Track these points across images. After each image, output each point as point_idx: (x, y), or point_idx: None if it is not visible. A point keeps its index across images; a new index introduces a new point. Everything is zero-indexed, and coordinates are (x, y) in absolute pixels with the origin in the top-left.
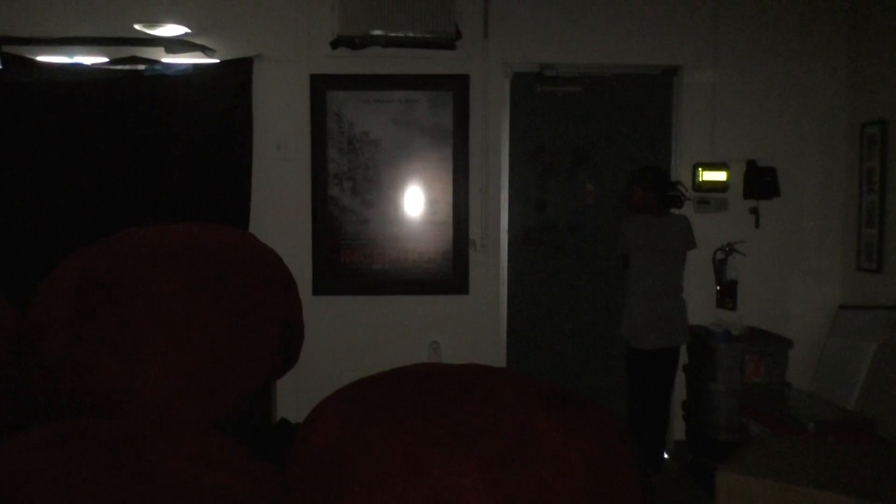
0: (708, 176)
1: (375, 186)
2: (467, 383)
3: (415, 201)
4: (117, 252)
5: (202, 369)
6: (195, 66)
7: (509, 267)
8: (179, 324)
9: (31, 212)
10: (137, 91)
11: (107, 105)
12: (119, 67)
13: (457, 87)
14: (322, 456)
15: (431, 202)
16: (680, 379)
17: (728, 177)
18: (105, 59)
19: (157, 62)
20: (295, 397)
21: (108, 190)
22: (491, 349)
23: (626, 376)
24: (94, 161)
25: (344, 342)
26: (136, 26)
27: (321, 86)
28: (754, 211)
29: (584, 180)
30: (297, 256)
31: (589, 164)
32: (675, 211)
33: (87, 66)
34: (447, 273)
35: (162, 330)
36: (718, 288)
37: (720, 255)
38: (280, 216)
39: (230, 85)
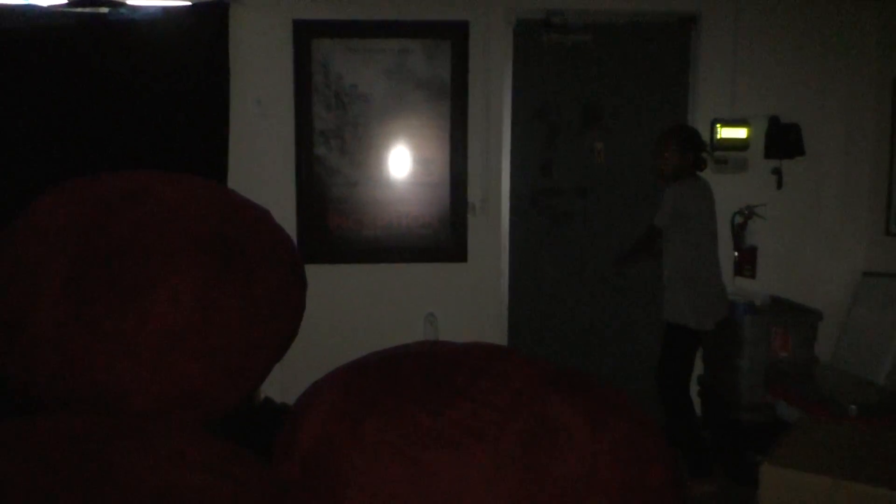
0: (727, 133)
1: (366, 145)
2: (476, 368)
3: (409, 162)
4: (123, 222)
5: (209, 381)
6: (165, 9)
7: (511, 233)
8: (191, 326)
9: None
10: (100, 36)
11: (66, 52)
12: (79, 10)
13: (455, 36)
14: (312, 454)
15: (427, 162)
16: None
17: (749, 134)
18: (63, 1)
19: (123, 4)
20: (280, 373)
21: (68, 145)
22: (491, 322)
23: (669, 363)
24: (51, 112)
25: (333, 314)
26: None
27: (305, 33)
28: (776, 171)
29: (593, 139)
30: (281, 222)
31: (599, 121)
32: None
33: (42, 7)
34: (444, 239)
35: (169, 331)
36: (737, 254)
37: (739, 220)
38: (261, 178)
39: (204, 31)
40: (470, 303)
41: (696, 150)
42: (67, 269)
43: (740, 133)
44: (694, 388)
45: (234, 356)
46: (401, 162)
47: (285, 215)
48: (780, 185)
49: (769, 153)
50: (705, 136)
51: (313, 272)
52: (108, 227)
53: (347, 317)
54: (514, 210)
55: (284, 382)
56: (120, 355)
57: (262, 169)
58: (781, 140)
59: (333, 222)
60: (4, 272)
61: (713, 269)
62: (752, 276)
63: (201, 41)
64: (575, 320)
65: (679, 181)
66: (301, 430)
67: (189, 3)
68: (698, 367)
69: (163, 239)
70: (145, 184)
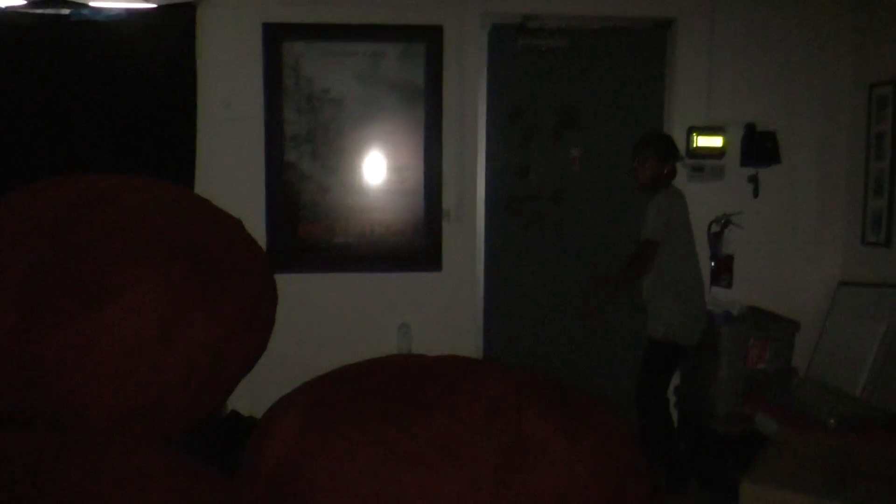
0: (703, 141)
1: (338, 151)
2: (449, 382)
3: (382, 167)
4: (85, 228)
5: (172, 396)
6: (129, 10)
7: (487, 240)
8: (154, 338)
9: None
10: (62, 39)
11: (26, 55)
12: (40, 11)
13: (429, 40)
14: (277, 474)
15: (400, 169)
16: None
17: (725, 142)
18: (23, 1)
19: (85, 5)
20: (247, 386)
21: (30, 149)
22: (466, 332)
23: (652, 379)
24: (11, 116)
25: (303, 324)
26: None
27: (276, 36)
28: (753, 179)
29: (569, 145)
30: (250, 229)
31: (575, 126)
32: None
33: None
34: (418, 247)
35: (129, 344)
36: (713, 264)
37: (715, 228)
38: (230, 183)
39: (171, 34)
40: (445, 312)
41: (674, 159)
42: (23, 276)
43: (716, 141)
44: (671, 400)
45: (198, 371)
46: (374, 168)
47: (255, 222)
48: (756, 193)
49: (745, 161)
50: (681, 144)
51: (283, 281)
52: (69, 233)
53: (318, 327)
54: (489, 217)
55: (252, 395)
56: (75, 368)
57: (230, 174)
58: (758, 148)
59: (304, 230)
60: None
61: (698, 280)
62: (729, 285)
63: (168, 44)
64: (552, 329)
65: (663, 191)
66: (266, 448)
67: (155, 5)
68: (675, 378)
69: (127, 246)
70: (110, 188)
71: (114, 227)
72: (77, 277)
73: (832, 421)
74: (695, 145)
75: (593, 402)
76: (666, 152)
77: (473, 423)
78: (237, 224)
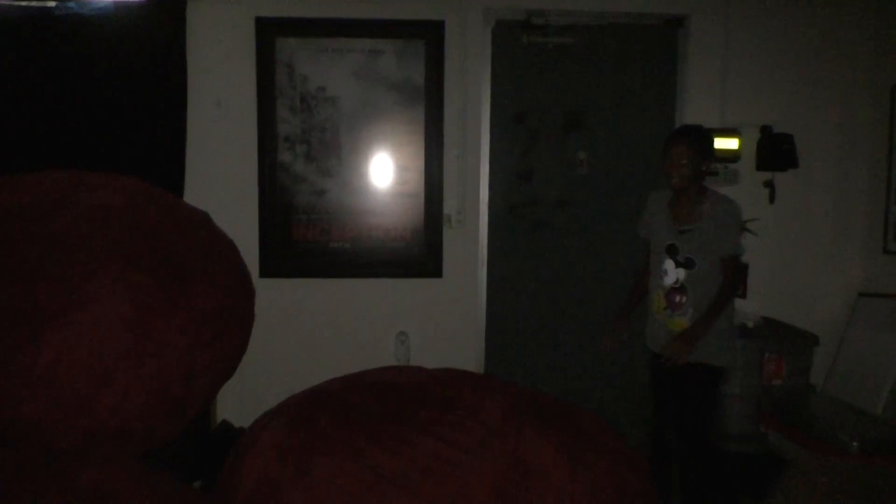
0: (717, 144)
1: (334, 152)
2: (444, 399)
3: (380, 170)
4: (41, 235)
5: (146, 413)
6: (117, 4)
7: (489, 247)
8: (122, 354)
9: None
10: (47, 33)
11: (11, 49)
12: (24, 3)
13: (429, 36)
14: (255, 496)
15: (400, 171)
16: None
17: (740, 145)
18: None
19: None
20: (239, 397)
21: (14, 145)
22: (467, 341)
23: (701, 411)
24: None
25: (297, 332)
26: None
27: (269, 31)
28: (769, 184)
29: (576, 147)
30: (242, 232)
31: (582, 128)
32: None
33: None
34: (417, 253)
35: (95, 362)
36: None
37: None
38: (221, 185)
39: (160, 28)
40: (445, 321)
41: (713, 156)
42: None
43: (731, 143)
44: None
45: (173, 384)
46: (371, 170)
47: (246, 225)
48: (772, 198)
49: (761, 165)
50: None
51: (276, 287)
52: (25, 241)
53: (313, 335)
54: (492, 222)
55: (244, 406)
56: (36, 390)
57: (221, 175)
58: (774, 151)
59: (298, 233)
60: None
61: None
62: (743, 295)
63: (157, 39)
64: (556, 340)
65: (715, 195)
66: (244, 468)
67: (143, 0)
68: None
69: (88, 255)
70: (70, 187)
71: (72, 234)
72: (32, 294)
73: (855, 444)
74: None
75: (599, 422)
76: (706, 147)
77: (466, 446)
78: (204, 217)
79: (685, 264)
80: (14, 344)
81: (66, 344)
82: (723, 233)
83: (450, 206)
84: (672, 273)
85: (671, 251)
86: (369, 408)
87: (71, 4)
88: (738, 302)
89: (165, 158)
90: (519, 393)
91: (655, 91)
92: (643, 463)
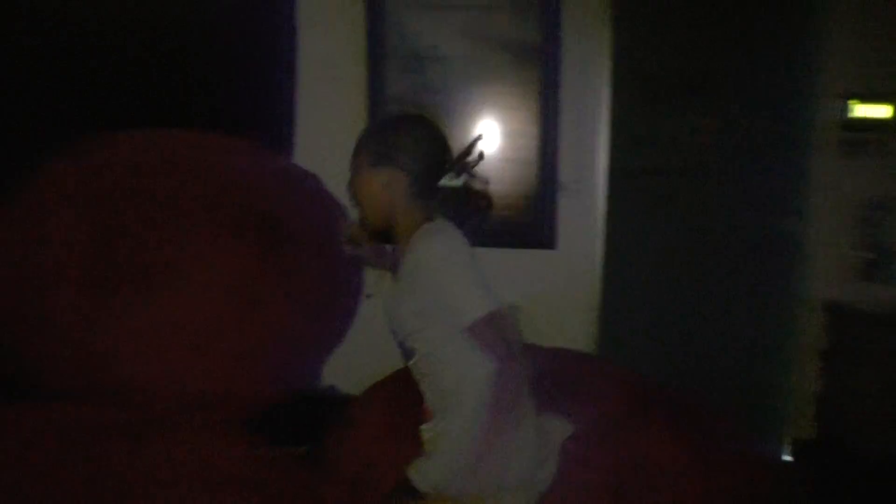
0: (864, 111)
1: (442, 114)
2: (557, 383)
3: (490, 134)
4: (150, 199)
5: (247, 381)
6: None
7: (608, 217)
8: (226, 321)
9: None
10: None
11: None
12: None
13: None
14: (361, 471)
15: (511, 135)
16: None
17: (894, 112)
18: None
19: None
20: (345, 361)
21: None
22: (579, 319)
23: None
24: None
25: None
26: None
27: None
28: None
29: (704, 111)
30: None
31: (710, 92)
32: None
33: None
34: (529, 223)
35: (201, 326)
36: (868, 255)
37: (877, 215)
38: (329, 146)
39: None
40: (557, 295)
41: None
42: (87, 252)
43: (881, 111)
44: (805, 407)
45: (276, 355)
46: (482, 134)
47: None
48: None
49: None
50: (835, 114)
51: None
52: (134, 205)
53: None
54: (611, 191)
55: (350, 371)
56: (144, 351)
57: (330, 138)
58: None
59: None
60: (19, 254)
61: None
62: (888, 281)
63: None
64: (677, 323)
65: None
66: (350, 443)
67: None
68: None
69: (198, 217)
70: (183, 147)
71: (181, 200)
72: (143, 258)
73: None
74: (852, 115)
75: (725, 417)
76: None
77: (586, 436)
78: (316, 181)
79: (405, 354)
80: (122, 304)
81: (172, 306)
82: (414, 298)
83: (566, 173)
84: None
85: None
86: None
87: None
88: (883, 289)
89: (276, 120)
90: (639, 381)
91: (793, 50)
92: (779, 470)
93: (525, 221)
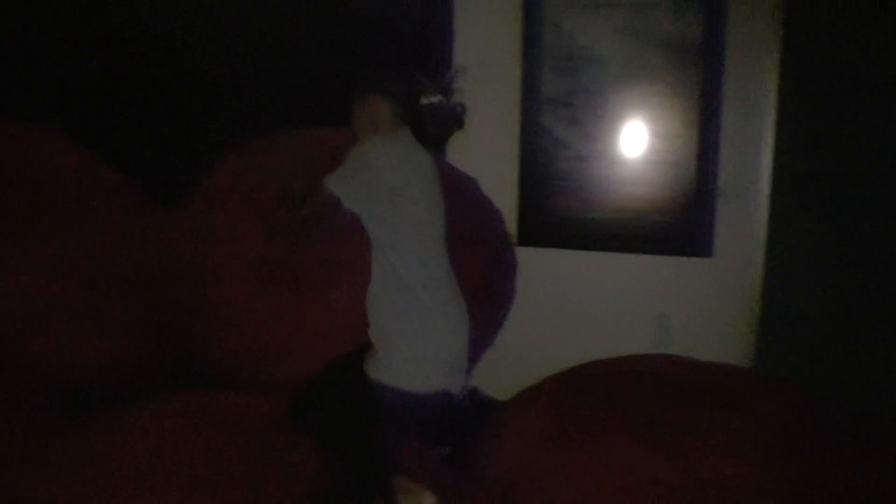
0: None
1: (597, 116)
2: (720, 401)
3: (647, 136)
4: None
5: None
6: None
7: (770, 226)
8: None
9: None
10: None
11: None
12: None
13: None
14: (512, 483)
15: (668, 138)
16: None
17: None
18: None
19: None
20: (490, 364)
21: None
22: (736, 333)
23: None
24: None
25: (550, 305)
26: None
27: None
28: None
29: (881, 115)
30: (501, 197)
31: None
32: None
33: None
34: (685, 229)
35: (357, 319)
36: None
37: None
38: (482, 148)
39: None
40: (712, 307)
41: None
42: (260, 247)
43: None
44: None
45: None
46: (638, 136)
47: (505, 192)
48: None
49: None
50: None
51: (532, 256)
52: None
53: (566, 310)
54: (775, 197)
55: (497, 375)
56: (303, 351)
57: (483, 138)
58: None
59: (558, 201)
60: (191, 247)
61: None
62: None
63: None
64: (844, 339)
65: None
66: (503, 449)
67: None
68: None
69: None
70: (339, 148)
71: None
72: (312, 256)
73: None
74: None
75: None
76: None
77: (748, 460)
78: (472, 183)
79: None
80: (290, 303)
81: (336, 308)
82: None
83: (726, 178)
84: None
85: None
86: (637, 401)
87: None
88: None
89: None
90: (814, 404)
91: None
92: None
93: (680, 227)
